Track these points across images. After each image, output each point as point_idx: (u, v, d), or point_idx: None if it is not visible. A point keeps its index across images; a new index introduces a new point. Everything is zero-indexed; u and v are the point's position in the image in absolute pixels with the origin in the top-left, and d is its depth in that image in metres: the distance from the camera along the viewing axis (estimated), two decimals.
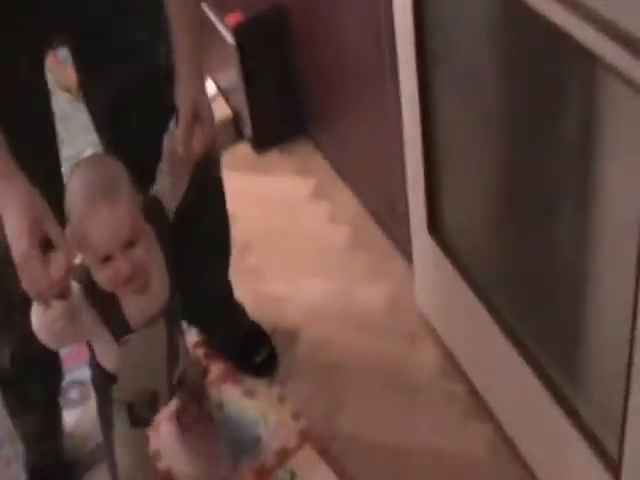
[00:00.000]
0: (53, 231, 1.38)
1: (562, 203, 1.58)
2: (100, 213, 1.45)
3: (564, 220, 1.58)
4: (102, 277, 1.50)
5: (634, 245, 1.32)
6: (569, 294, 1.60)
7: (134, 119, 1.74)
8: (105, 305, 1.56)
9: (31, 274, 1.36)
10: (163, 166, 1.65)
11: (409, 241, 2.16)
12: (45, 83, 1.66)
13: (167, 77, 1.62)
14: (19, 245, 1.35)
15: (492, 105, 1.69)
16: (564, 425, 1.67)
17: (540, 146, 1.56)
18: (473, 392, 2.06)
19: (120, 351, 1.64)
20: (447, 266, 1.97)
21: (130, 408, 1.77)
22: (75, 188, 1.48)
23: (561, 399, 1.68)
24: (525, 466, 1.90)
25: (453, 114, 1.81)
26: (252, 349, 2.23)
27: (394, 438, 2.03)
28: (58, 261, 1.37)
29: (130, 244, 1.47)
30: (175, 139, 1.59)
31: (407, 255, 2.26)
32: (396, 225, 2.29)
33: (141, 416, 1.78)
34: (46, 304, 1.42)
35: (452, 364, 2.13)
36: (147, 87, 1.71)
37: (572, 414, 1.65)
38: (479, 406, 2.03)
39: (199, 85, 1.61)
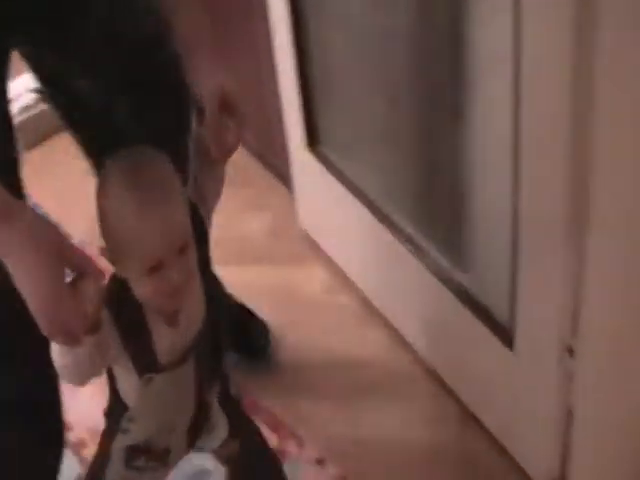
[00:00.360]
0: (76, 256, 1.15)
1: (439, 103, 1.67)
2: (153, 215, 1.22)
3: (443, 117, 1.67)
4: (147, 290, 1.26)
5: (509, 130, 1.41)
6: (453, 183, 1.69)
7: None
8: (133, 333, 1.32)
9: (60, 317, 1.13)
10: (195, 169, 1.41)
11: (290, 170, 2.22)
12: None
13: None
14: (40, 292, 1.11)
15: (366, 17, 1.76)
16: (458, 308, 1.77)
17: (415, 56, 1.65)
18: (366, 303, 2.14)
19: (141, 390, 1.39)
20: (329, 180, 2.04)
21: (133, 452, 1.50)
22: (117, 190, 1.22)
23: (453, 285, 1.78)
24: (422, 362, 2.00)
25: (325, 26, 1.88)
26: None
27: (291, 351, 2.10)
28: (90, 290, 1.15)
29: (182, 250, 1.25)
30: (203, 138, 1.35)
31: (289, 185, 2.32)
32: (277, 158, 2.35)
33: (142, 468, 1.50)
34: (78, 342, 1.18)
35: (342, 279, 2.20)
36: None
37: (463, 295, 1.76)
38: (373, 314, 2.12)
39: (221, 70, 1.37)
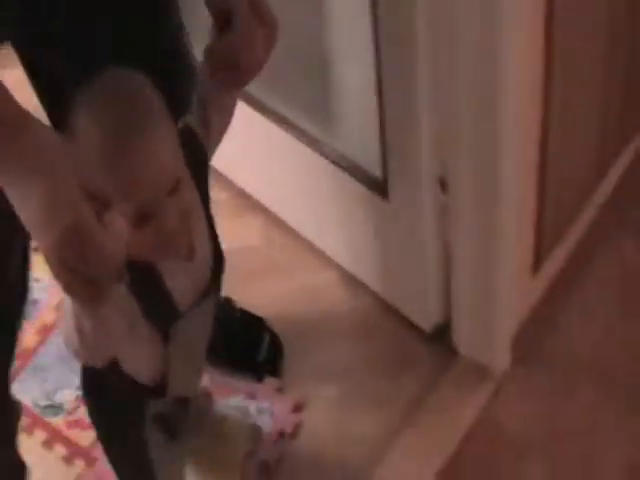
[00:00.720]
0: (100, 180, 0.96)
1: None
2: (135, 152, 0.98)
3: None
4: (139, 241, 1.01)
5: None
6: (315, 51, 1.75)
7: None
8: (143, 285, 1.10)
9: (86, 260, 0.88)
10: (201, 90, 1.19)
11: None
12: None
13: None
14: (56, 228, 0.87)
15: None
16: (334, 172, 1.83)
17: None
18: (240, 194, 2.18)
19: (168, 348, 1.22)
20: None
21: (165, 421, 1.37)
22: (92, 123, 0.98)
23: (326, 151, 1.84)
24: (298, 236, 2.06)
25: None
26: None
27: None
28: (117, 222, 0.93)
29: (174, 189, 1.02)
30: (226, 49, 1.11)
31: None
32: None
33: (177, 428, 1.40)
34: (104, 296, 0.94)
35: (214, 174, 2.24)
36: None
37: (337, 159, 1.82)
38: (248, 203, 2.16)
39: None
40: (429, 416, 1.83)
